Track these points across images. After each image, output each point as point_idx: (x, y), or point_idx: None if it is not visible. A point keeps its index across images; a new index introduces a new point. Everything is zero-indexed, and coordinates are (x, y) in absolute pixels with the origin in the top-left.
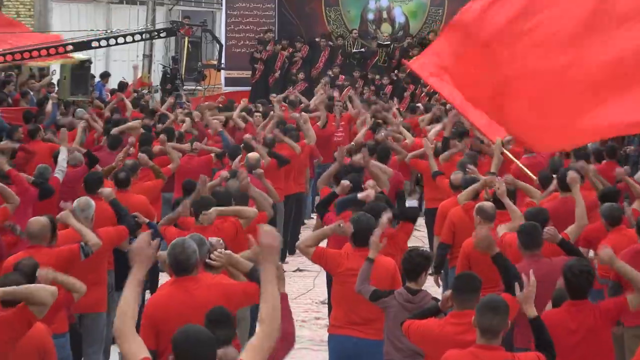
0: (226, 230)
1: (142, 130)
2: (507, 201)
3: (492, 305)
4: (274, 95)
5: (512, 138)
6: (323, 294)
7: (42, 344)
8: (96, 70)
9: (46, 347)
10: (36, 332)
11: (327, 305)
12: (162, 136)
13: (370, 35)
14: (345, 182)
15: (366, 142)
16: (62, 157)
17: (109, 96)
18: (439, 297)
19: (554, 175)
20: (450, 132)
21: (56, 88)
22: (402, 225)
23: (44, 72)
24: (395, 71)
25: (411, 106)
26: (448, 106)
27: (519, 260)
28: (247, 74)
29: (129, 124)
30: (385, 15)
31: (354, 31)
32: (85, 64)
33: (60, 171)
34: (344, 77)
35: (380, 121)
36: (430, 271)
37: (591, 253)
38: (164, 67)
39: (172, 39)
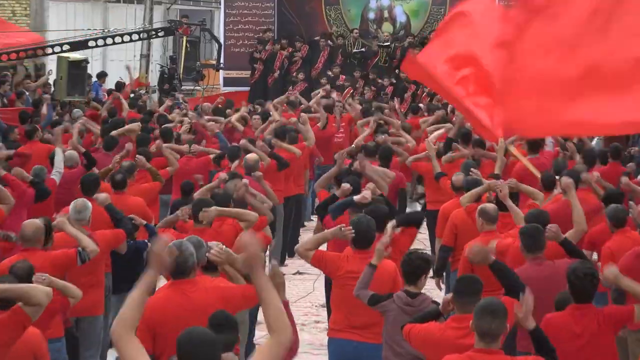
0: (225, 233)
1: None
2: (510, 203)
3: (490, 309)
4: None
5: (517, 138)
6: (323, 297)
7: (37, 349)
8: (93, 70)
9: (40, 351)
10: (30, 337)
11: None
12: (158, 142)
13: (371, 35)
14: (345, 185)
15: (367, 143)
16: (59, 158)
17: (106, 96)
18: (441, 300)
19: (557, 177)
20: (455, 133)
21: (52, 88)
22: (406, 229)
23: (40, 72)
24: (397, 71)
25: (413, 106)
26: (450, 107)
27: (516, 265)
28: (246, 74)
29: (128, 126)
30: (386, 14)
31: (355, 31)
32: (82, 64)
33: (57, 172)
34: (344, 77)
35: (381, 122)
36: (431, 274)
37: (594, 256)
38: (162, 67)
39: (170, 38)
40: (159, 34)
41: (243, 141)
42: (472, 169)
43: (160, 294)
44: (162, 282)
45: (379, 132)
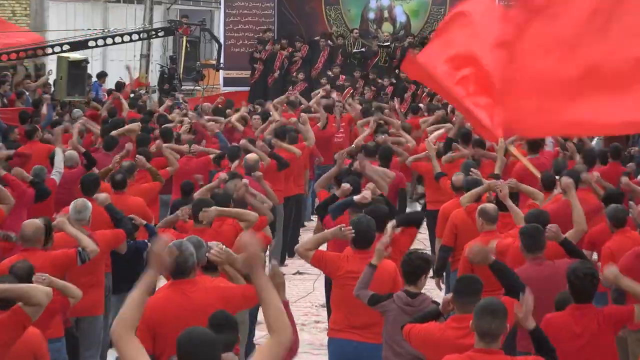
0: (225, 233)
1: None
2: (510, 203)
3: (490, 309)
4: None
5: (517, 138)
6: (323, 297)
7: (37, 349)
8: (93, 70)
9: (40, 351)
10: (30, 337)
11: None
12: (158, 142)
13: (371, 35)
14: (346, 185)
15: (366, 143)
16: (59, 158)
17: (106, 96)
18: (441, 300)
19: (557, 177)
20: (455, 134)
21: (52, 88)
22: (406, 229)
23: (40, 72)
24: (397, 71)
25: (413, 106)
26: (450, 107)
27: (516, 265)
28: (246, 74)
29: (128, 126)
30: (386, 14)
31: (355, 31)
32: (82, 64)
33: (57, 172)
34: (344, 77)
35: (381, 122)
36: (431, 274)
37: (594, 256)
38: (162, 67)
39: (170, 38)
40: (159, 34)
41: (243, 141)
42: (472, 169)
43: (160, 294)
44: (162, 282)
45: (379, 132)
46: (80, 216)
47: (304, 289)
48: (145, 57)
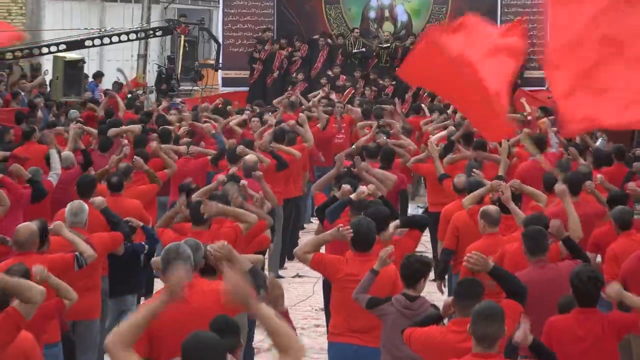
0: (225, 235)
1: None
2: (513, 206)
3: (487, 313)
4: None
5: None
6: (322, 301)
7: (29, 354)
8: (89, 70)
9: (34, 356)
10: (23, 342)
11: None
12: (155, 145)
13: (371, 34)
14: (346, 187)
15: (367, 144)
16: (55, 160)
17: (102, 97)
18: (442, 303)
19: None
20: (459, 136)
21: (48, 89)
22: (410, 232)
23: (37, 72)
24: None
25: (414, 106)
26: (452, 108)
27: (514, 271)
28: (245, 74)
29: (129, 127)
30: (387, 13)
31: (355, 30)
32: (78, 64)
33: (54, 174)
34: (344, 77)
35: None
36: (432, 277)
37: (598, 258)
38: (159, 67)
39: (168, 38)
40: (157, 34)
41: (240, 147)
42: (474, 169)
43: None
44: (160, 284)
45: (380, 132)
46: (77, 219)
47: (304, 292)
48: (143, 57)
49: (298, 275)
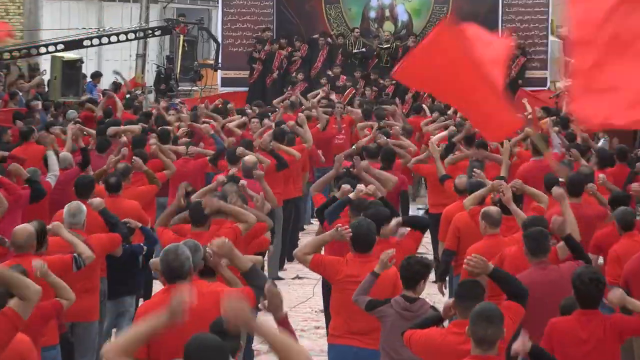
0: (224, 235)
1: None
2: (514, 207)
3: (485, 315)
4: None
5: (521, 138)
6: (322, 303)
7: (26, 357)
8: (88, 70)
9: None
10: (19, 344)
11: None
12: (154, 147)
13: (372, 34)
14: (346, 187)
15: (368, 145)
16: (52, 161)
17: (101, 97)
18: (443, 305)
19: (562, 180)
20: (460, 139)
21: (46, 89)
22: (411, 233)
23: (35, 72)
24: None
25: (415, 106)
26: (452, 109)
27: (517, 272)
28: (244, 74)
29: (129, 126)
30: (387, 13)
31: (356, 30)
32: (76, 64)
33: (53, 176)
34: (345, 77)
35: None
36: (433, 279)
37: (600, 260)
38: (158, 66)
39: (167, 37)
40: (156, 33)
41: (240, 149)
42: (475, 169)
43: (156, 298)
44: (159, 286)
45: (381, 132)
46: (75, 220)
47: (304, 294)
48: (141, 56)
49: (298, 277)
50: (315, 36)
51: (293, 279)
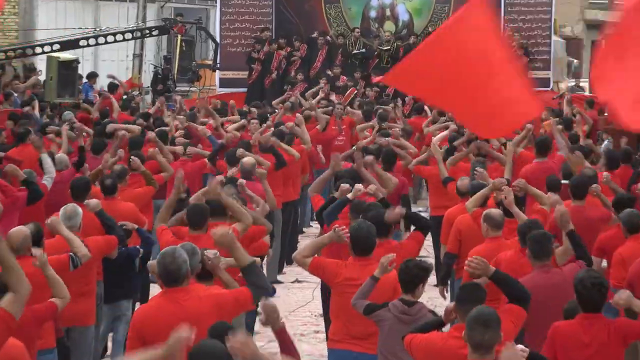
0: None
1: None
2: (516, 210)
3: (482, 319)
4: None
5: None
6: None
7: None
8: (84, 70)
9: None
10: (12, 349)
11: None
12: (151, 150)
13: (372, 34)
14: (345, 186)
15: (368, 146)
16: (48, 163)
17: (97, 98)
18: (443, 309)
19: (563, 181)
20: (461, 142)
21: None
22: (413, 235)
23: (31, 73)
24: None
25: (416, 107)
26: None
27: (513, 276)
28: (243, 74)
29: (129, 125)
30: (388, 12)
31: (356, 30)
32: (72, 64)
33: (49, 178)
34: (345, 78)
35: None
36: (434, 282)
37: (604, 263)
38: (155, 67)
39: (164, 37)
40: (153, 33)
41: (240, 150)
42: (477, 168)
43: (153, 302)
44: (156, 289)
45: (381, 133)
46: (71, 222)
47: (303, 298)
48: (138, 57)
49: (297, 281)
50: (314, 35)
51: (292, 282)
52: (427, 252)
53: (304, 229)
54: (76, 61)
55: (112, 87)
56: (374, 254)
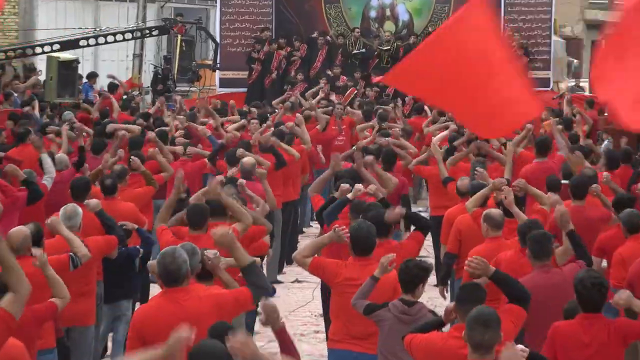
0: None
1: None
2: (516, 210)
3: (482, 319)
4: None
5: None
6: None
7: None
8: (84, 70)
9: None
10: (11, 349)
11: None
12: (151, 150)
13: (372, 34)
14: (345, 186)
15: (368, 146)
16: (48, 163)
17: (97, 98)
18: (444, 309)
19: (563, 181)
20: (462, 142)
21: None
22: (414, 234)
23: (32, 73)
24: None
25: (416, 107)
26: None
27: (517, 275)
28: (243, 74)
29: (129, 125)
30: (388, 12)
31: (356, 30)
32: (72, 64)
33: (49, 178)
34: (345, 78)
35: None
36: (434, 282)
37: (604, 263)
38: (155, 67)
39: (164, 37)
40: (153, 33)
41: (240, 150)
42: (477, 168)
43: (153, 302)
44: (156, 289)
45: (381, 133)
46: (71, 223)
47: (303, 298)
48: (138, 57)
49: (297, 281)
50: (314, 35)
51: (292, 282)
52: (427, 252)
53: (304, 229)
54: (76, 61)
55: (112, 87)
56: (374, 254)
